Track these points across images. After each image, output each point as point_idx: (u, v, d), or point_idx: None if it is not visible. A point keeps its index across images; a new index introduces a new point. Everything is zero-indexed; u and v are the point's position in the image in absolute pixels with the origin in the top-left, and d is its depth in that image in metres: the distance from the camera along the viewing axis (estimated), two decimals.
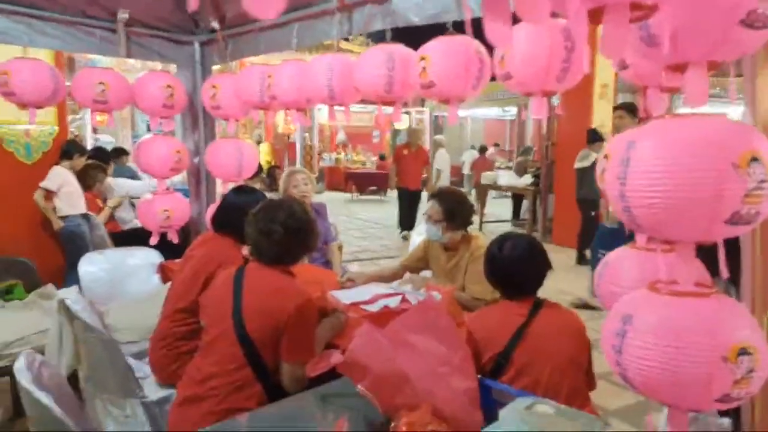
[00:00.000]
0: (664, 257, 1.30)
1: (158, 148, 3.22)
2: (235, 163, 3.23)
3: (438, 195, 2.65)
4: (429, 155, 9.23)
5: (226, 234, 2.30)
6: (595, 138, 6.30)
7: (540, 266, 1.81)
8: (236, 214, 2.21)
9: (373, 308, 1.53)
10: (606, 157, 1.73)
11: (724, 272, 1.18)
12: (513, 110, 15.80)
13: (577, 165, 6.41)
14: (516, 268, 1.77)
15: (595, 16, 0.85)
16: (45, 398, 1.32)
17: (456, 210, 2.56)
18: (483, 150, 13.80)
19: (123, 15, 3.12)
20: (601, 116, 7.98)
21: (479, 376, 1.45)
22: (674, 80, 1.30)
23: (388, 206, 13.06)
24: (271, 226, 1.80)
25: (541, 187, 8.60)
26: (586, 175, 6.03)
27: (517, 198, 10.24)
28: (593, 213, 6.02)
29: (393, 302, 1.62)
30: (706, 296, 1.19)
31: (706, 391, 1.14)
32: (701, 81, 1.12)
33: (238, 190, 2.45)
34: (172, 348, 2.16)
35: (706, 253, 1.28)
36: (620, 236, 1.87)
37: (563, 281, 5.66)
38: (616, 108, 5.18)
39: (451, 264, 2.61)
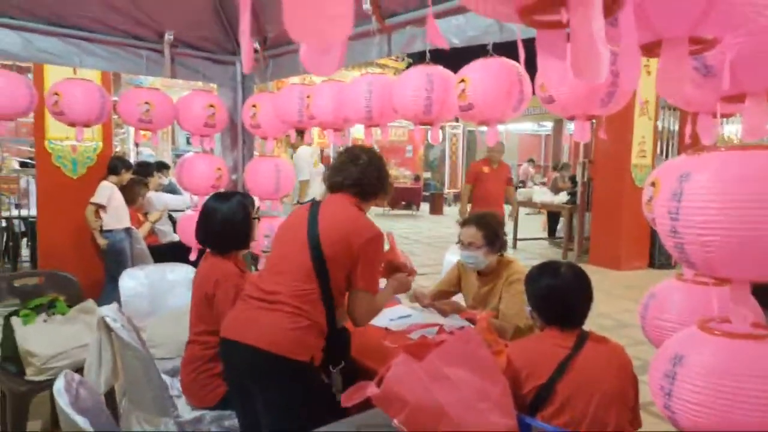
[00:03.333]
0: (717, 292, 1.24)
1: (200, 166, 3.29)
2: (273, 181, 3.27)
3: (475, 220, 2.57)
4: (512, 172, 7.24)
5: (212, 247, 2.30)
6: None
7: (590, 297, 1.76)
8: (216, 221, 2.28)
9: (411, 338, 1.51)
10: (653, 184, 1.67)
11: None
12: (548, 125, 15.64)
13: None
14: (569, 299, 1.72)
15: (650, 51, 0.81)
16: (82, 422, 1.34)
17: (497, 233, 2.50)
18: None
19: (169, 36, 3.20)
20: (642, 133, 7.81)
21: (519, 409, 1.41)
22: (730, 109, 1.25)
23: (420, 221, 13.03)
24: (357, 155, 2.04)
25: (578, 205, 8.42)
26: None
27: (553, 215, 10.07)
28: None
29: (430, 333, 1.59)
30: (762, 339, 1.12)
31: None
32: (761, 113, 1.07)
33: (217, 196, 2.43)
34: (201, 371, 2.17)
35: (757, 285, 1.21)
36: None
37: (603, 303, 5.53)
38: None
39: (485, 289, 2.54)
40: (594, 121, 1.93)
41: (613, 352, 1.73)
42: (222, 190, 3.42)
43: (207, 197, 2.44)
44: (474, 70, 2.08)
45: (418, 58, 2.49)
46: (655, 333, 1.59)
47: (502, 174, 6.56)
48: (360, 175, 1.98)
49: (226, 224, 2.28)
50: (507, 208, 6.85)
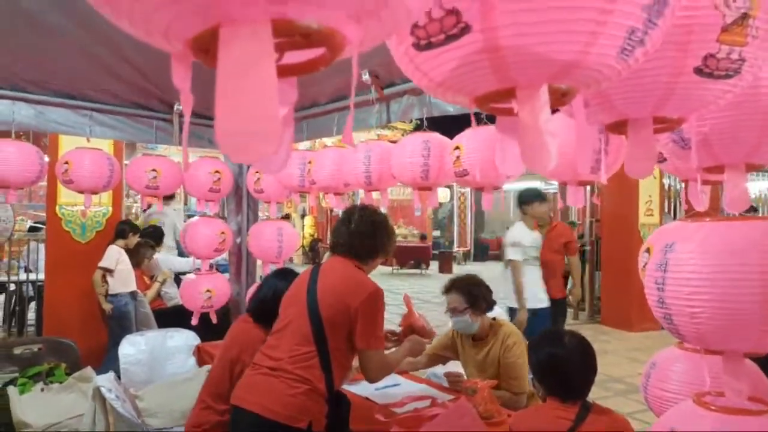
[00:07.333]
0: (710, 363, 1.20)
1: (203, 230, 3.33)
2: (276, 245, 3.29)
3: (452, 286, 2.52)
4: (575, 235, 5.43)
5: (260, 319, 2.29)
6: None
7: (594, 368, 1.73)
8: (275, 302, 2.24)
9: (403, 410, 1.48)
10: (648, 251, 1.67)
11: None
12: (556, 183, 15.74)
13: None
14: (572, 370, 1.68)
15: (617, 129, 0.84)
16: None
17: (476, 293, 2.44)
18: None
19: (178, 107, 3.32)
20: (648, 192, 7.81)
21: None
22: (713, 178, 1.26)
23: (429, 280, 12.93)
24: (350, 216, 2.05)
25: (587, 264, 8.33)
26: None
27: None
28: None
29: (422, 405, 1.55)
30: (758, 414, 1.08)
31: None
32: (741, 184, 1.08)
33: (279, 273, 2.45)
34: None
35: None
36: None
37: (614, 367, 5.37)
38: None
39: (481, 355, 2.48)
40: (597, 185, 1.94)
41: (616, 424, 1.67)
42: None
43: (269, 273, 2.56)
44: (467, 137, 2.13)
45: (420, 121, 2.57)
46: (656, 404, 1.54)
47: (555, 240, 4.71)
48: (350, 238, 2.01)
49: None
50: None
